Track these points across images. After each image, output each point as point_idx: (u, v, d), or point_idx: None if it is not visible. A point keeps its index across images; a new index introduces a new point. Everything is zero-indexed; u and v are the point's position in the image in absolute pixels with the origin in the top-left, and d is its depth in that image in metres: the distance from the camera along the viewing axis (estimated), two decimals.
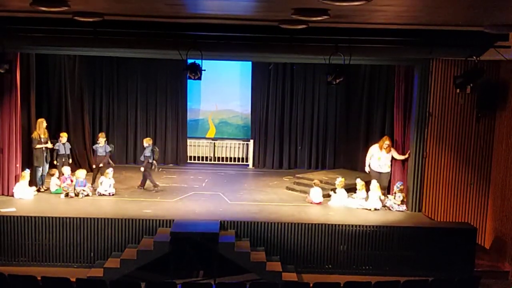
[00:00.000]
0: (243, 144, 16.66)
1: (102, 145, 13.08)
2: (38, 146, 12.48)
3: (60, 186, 12.30)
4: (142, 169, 12.99)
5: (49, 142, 12.75)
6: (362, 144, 14.88)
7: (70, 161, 13.21)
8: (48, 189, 12.59)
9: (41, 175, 12.68)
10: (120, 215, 10.94)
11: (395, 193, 12.02)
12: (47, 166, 12.82)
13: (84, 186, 12.29)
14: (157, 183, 13.04)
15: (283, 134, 16.27)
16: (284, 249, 10.79)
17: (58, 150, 12.93)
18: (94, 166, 13.21)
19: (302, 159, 16.35)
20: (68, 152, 13.10)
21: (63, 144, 13.00)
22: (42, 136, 12.57)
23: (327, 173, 14.49)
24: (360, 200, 12.14)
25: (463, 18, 7.31)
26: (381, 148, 12.51)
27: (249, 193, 13.20)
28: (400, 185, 12.01)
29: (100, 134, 13.47)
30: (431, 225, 11.31)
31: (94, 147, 13.33)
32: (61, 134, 13.19)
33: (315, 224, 10.85)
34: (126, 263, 10.02)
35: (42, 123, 12.66)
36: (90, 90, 15.79)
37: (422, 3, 6.25)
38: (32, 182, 12.30)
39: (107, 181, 12.46)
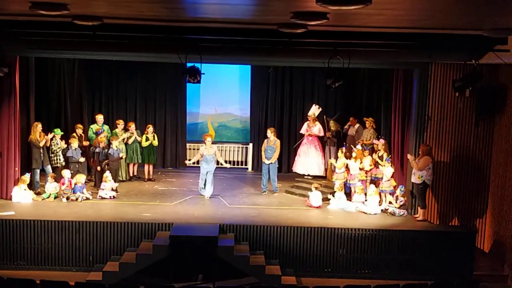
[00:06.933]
0: (242, 147, 16.66)
1: (115, 148, 13.06)
2: (42, 143, 12.47)
3: (61, 190, 12.26)
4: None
5: (47, 143, 12.72)
6: None
7: (82, 161, 13.07)
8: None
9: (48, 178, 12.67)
10: (119, 219, 10.94)
11: (397, 196, 12.00)
12: (49, 167, 12.80)
13: (83, 190, 12.31)
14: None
15: (282, 138, 16.25)
16: (283, 252, 10.78)
17: (71, 156, 12.85)
18: (105, 168, 13.01)
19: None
20: (79, 157, 12.97)
21: (75, 149, 12.93)
22: (38, 139, 12.55)
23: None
24: (359, 204, 12.14)
25: (462, 22, 7.32)
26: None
27: (248, 197, 13.19)
28: (403, 189, 11.99)
29: (113, 138, 13.42)
30: (430, 228, 11.30)
31: (110, 151, 13.00)
32: (71, 140, 13.06)
33: (314, 227, 10.85)
34: (125, 267, 10.01)
35: (37, 127, 12.62)
36: (89, 94, 15.82)
37: (420, 7, 6.25)
38: (30, 185, 12.31)
39: (109, 184, 12.53)
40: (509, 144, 11.23)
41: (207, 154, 12.92)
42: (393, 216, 11.79)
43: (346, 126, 14.57)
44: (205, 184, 12.89)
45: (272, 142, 13.49)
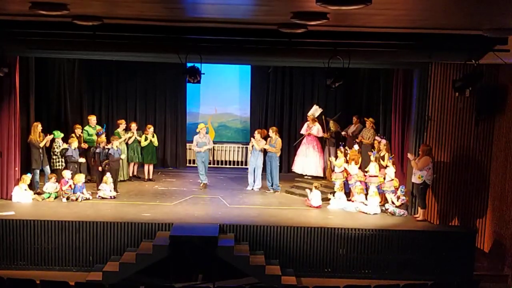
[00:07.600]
0: (242, 147, 16.66)
1: (116, 148, 13.04)
2: (42, 144, 12.45)
3: (61, 191, 12.25)
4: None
5: (47, 144, 12.71)
6: None
7: (82, 161, 13.09)
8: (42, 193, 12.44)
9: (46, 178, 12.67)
10: (119, 219, 10.94)
11: (398, 196, 11.98)
12: (48, 168, 12.80)
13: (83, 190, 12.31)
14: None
15: (282, 138, 16.23)
16: (283, 252, 10.78)
17: (71, 156, 12.80)
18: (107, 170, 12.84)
19: None
20: (78, 157, 12.95)
21: (74, 149, 12.88)
22: (38, 139, 12.54)
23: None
24: (359, 204, 12.13)
25: (462, 22, 7.32)
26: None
27: (248, 197, 13.19)
28: (404, 189, 11.97)
29: (114, 138, 13.35)
30: (430, 228, 11.30)
31: (110, 151, 12.81)
32: (71, 140, 12.98)
33: (314, 227, 10.85)
34: (125, 267, 10.00)
35: (37, 127, 12.60)
36: (89, 94, 15.82)
37: (420, 7, 6.25)
38: (30, 186, 12.30)
39: (108, 187, 12.53)
40: (509, 144, 11.23)
41: (255, 148, 13.59)
42: (393, 216, 11.79)
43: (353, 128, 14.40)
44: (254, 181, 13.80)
45: (273, 141, 13.59)
